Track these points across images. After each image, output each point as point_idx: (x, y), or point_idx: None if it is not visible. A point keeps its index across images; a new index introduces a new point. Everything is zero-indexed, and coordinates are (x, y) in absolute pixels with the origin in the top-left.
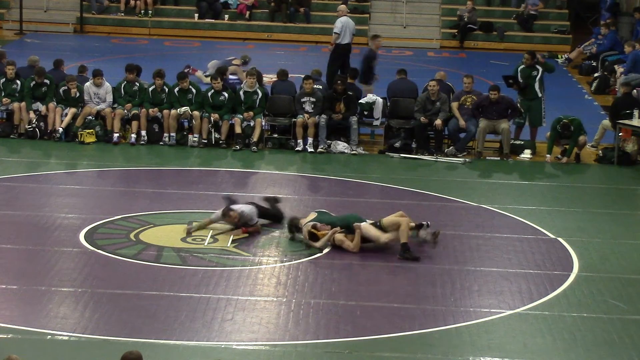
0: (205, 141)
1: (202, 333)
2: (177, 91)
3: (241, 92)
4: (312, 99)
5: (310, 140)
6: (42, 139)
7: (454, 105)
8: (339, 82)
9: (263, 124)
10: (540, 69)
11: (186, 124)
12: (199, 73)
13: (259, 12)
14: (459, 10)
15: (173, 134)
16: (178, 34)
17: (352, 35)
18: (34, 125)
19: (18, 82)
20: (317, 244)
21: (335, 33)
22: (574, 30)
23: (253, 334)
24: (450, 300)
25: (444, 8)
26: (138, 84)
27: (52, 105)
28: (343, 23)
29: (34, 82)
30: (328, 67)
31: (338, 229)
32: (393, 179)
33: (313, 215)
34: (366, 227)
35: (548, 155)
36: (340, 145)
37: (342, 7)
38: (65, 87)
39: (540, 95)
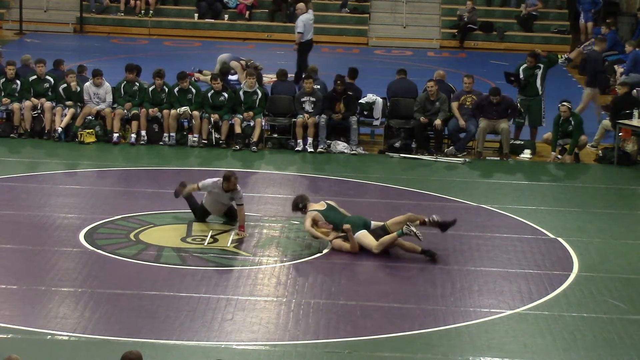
0: (205, 141)
1: (202, 333)
2: (177, 91)
3: (241, 93)
4: (312, 99)
5: (310, 140)
6: (43, 133)
7: (454, 105)
8: (338, 82)
9: (263, 124)
10: (542, 66)
11: (186, 124)
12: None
13: (259, 12)
14: (459, 10)
15: (173, 134)
16: (178, 34)
17: (312, 30)
18: (39, 111)
19: (18, 82)
20: (316, 233)
21: (298, 32)
22: (574, 30)
23: (253, 334)
24: (450, 300)
25: (444, 8)
26: (138, 84)
27: (48, 104)
28: (304, 21)
29: (35, 77)
30: (300, 64)
31: (337, 233)
32: (393, 179)
33: (322, 207)
34: (362, 236)
35: (553, 153)
36: (340, 145)
37: (301, 5)
38: (65, 85)
39: (540, 92)
